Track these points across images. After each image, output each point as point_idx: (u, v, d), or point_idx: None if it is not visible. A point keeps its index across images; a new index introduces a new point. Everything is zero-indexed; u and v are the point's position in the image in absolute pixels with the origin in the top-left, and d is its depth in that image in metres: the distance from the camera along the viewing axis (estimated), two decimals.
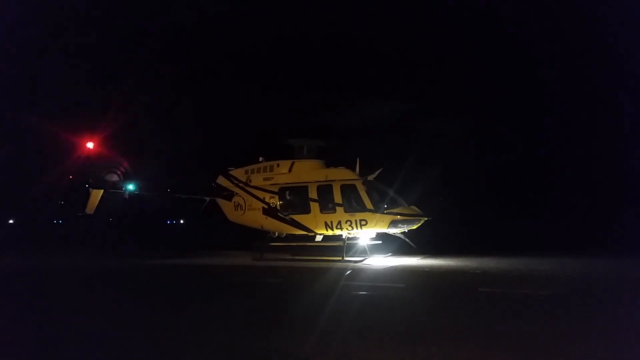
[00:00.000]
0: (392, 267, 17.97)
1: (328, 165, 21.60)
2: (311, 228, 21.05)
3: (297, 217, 21.14)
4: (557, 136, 43.98)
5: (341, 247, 20.52)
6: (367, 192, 20.06)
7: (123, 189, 22.62)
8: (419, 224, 20.08)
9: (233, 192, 22.80)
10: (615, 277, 14.81)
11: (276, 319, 9.72)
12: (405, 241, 20.88)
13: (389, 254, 21.59)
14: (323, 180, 20.84)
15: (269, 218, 21.83)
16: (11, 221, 58.73)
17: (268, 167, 22.26)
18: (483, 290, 12.42)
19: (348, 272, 16.45)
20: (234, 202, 22.75)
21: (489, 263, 18.27)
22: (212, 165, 25.11)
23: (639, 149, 38.27)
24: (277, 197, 21.62)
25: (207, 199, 23.86)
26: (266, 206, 21.81)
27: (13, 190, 44.23)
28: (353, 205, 20.20)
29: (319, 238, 21.65)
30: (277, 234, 22.51)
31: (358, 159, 21.02)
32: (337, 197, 20.33)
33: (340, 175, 20.83)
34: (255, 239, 22.76)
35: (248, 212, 22.36)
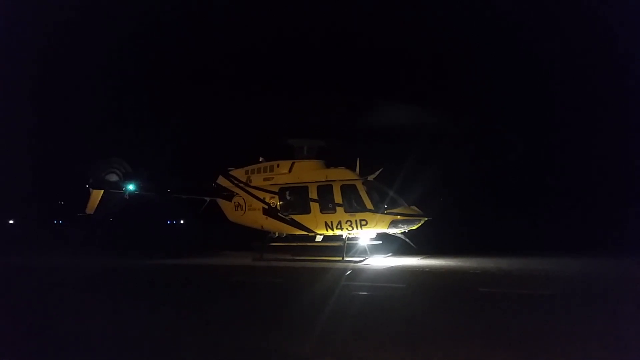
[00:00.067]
0: (392, 267, 17.97)
1: (328, 165, 21.61)
2: (311, 228, 21.06)
3: (297, 217, 21.15)
4: (557, 136, 44.02)
5: (341, 247, 20.52)
6: (367, 192, 20.07)
7: (123, 189, 22.63)
8: (419, 224, 20.08)
9: (233, 192, 22.81)
10: (615, 277, 14.82)
11: (276, 319, 9.73)
12: (406, 241, 20.89)
13: (389, 254, 21.59)
14: (323, 180, 20.85)
15: (269, 218, 21.84)
16: (11, 221, 58.75)
17: (268, 167, 22.27)
18: (483, 290, 12.42)
19: (348, 272, 16.46)
20: (234, 202, 22.75)
21: (489, 263, 18.28)
22: (212, 165, 25.10)
23: (639, 149, 38.28)
24: (277, 197, 21.63)
25: (207, 199, 23.86)
26: (266, 206, 21.82)
27: (13, 190, 44.22)
28: (353, 205, 20.21)
29: (319, 238, 21.66)
30: (277, 234, 22.53)
31: (358, 159, 21.04)
32: (337, 197, 20.33)
33: (341, 175, 20.84)
34: (255, 239, 22.77)
35: (248, 212, 22.37)
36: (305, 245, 21.99)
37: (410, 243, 20.74)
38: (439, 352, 7.35)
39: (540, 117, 43.46)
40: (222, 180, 23.32)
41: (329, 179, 20.81)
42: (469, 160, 41.35)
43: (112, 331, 8.89)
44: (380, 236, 21.15)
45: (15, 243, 33.01)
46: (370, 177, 20.51)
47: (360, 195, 20.07)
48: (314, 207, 20.72)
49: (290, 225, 21.44)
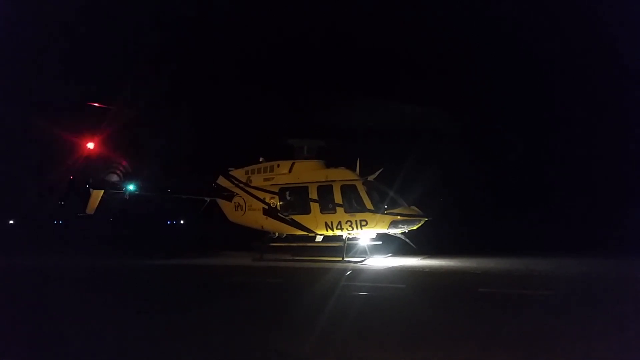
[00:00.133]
0: (392, 267, 17.98)
1: (328, 165, 21.62)
2: (311, 228, 21.06)
3: (298, 218, 21.15)
4: (557, 136, 44.02)
5: (341, 247, 20.53)
6: (368, 193, 20.08)
7: (123, 189, 22.63)
8: (419, 225, 20.09)
9: (233, 192, 22.81)
10: (615, 277, 14.82)
11: (276, 320, 9.72)
12: (406, 241, 20.89)
13: (389, 254, 21.59)
14: (323, 180, 20.86)
15: (269, 218, 21.84)
16: (11, 221, 58.77)
17: (268, 168, 22.28)
18: (483, 290, 12.42)
19: (348, 272, 16.46)
20: (234, 203, 22.76)
21: (489, 263, 18.29)
22: (212, 165, 25.13)
23: (638, 149, 38.29)
24: (277, 197, 21.64)
25: (208, 199, 23.88)
26: (266, 206, 21.82)
27: (13, 190, 44.25)
28: (353, 205, 20.21)
29: (319, 238, 21.67)
30: (277, 235, 22.54)
31: (358, 160, 21.05)
32: (338, 198, 20.34)
33: (341, 175, 20.84)
34: (255, 239, 22.78)
35: (248, 213, 22.37)
36: (305, 245, 22.00)
37: (410, 243, 20.74)
38: (439, 352, 7.35)
39: (540, 117, 43.48)
40: (222, 181, 23.32)
41: (329, 179, 20.81)
42: (469, 161, 41.34)
43: (112, 331, 8.88)
44: (380, 236, 21.16)
45: (15, 243, 33.00)
46: (371, 178, 20.51)
47: (360, 196, 20.08)
48: (314, 207, 20.73)
49: (291, 225, 21.45)
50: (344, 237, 20.74)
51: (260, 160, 22.71)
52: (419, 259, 20.26)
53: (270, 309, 10.75)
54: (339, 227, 20.45)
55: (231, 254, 24.13)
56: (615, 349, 7.48)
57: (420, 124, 33.86)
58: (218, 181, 23.47)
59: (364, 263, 19.35)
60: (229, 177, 23.13)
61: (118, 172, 22.79)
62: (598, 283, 13.62)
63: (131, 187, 22.73)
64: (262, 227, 22.31)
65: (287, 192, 21.58)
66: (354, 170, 20.91)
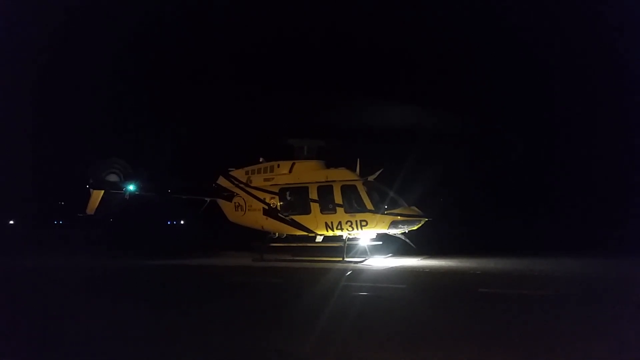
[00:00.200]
0: (392, 267, 17.98)
1: (328, 165, 21.61)
2: (311, 229, 21.05)
3: (298, 218, 21.15)
4: (556, 136, 44.04)
5: (341, 247, 20.51)
6: (368, 193, 20.07)
7: (123, 189, 22.62)
8: (420, 225, 20.08)
9: (233, 192, 22.81)
10: (615, 277, 14.82)
11: (276, 320, 9.72)
12: (406, 242, 20.89)
13: (390, 254, 21.59)
14: (323, 180, 20.85)
15: (269, 219, 21.83)
16: (11, 221, 58.80)
17: (268, 168, 22.27)
18: (483, 290, 12.42)
19: (348, 272, 16.46)
20: (235, 203, 22.75)
21: (489, 263, 18.29)
22: (212, 165, 25.13)
23: (638, 149, 38.30)
24: (277, 197, 21.63)
25: (208, 199, 23.86)
26: (267, 207, 21.82)
27: (13, 190, 44.25)
28: (353, 205, 20.20)
29: (319, 239, 21.66)
30: (277, 235, 22.52)
31: (358, 160, 21.04)
32: (338, 198, 20.33)
33: (341, 175, 20.84)
34: (255, 239, 22.77)
35: (248, 213, 22.37)
36: (305, 245, 21.98)
37: (411, 244, 20.73)
38: (439, 352, 7.35)
39: (540, 117, 43.51)
40: (222, 181, 23.32)
41: (329, 179, 20.81)
42: (469, 161, 41.39)
43: (112, 331, 8.89)
44: (381, 237, 21.15)
45: (15, 243, 33.01)
46: (371, 178, 20.50)
47: (360, 196, 20.07)
48: (314, 207, 20.72)
49: (291, 225, 21.44)
50: (344, 238, 20.73)
51: (260, 160, 22.70)
52: (419, 259, 20.26)
53: (270, 309, 10.75)
54: (339, 227, 20.44)
55: (231, 254, 24.13)
56: (615, 349, 7.48)
57: (420, 124, 33.85)
58: (218, 181, 23.46)
59: (364, 263, 19.35)
60: (229, 178, 23.12)
61: (118, 172, 22.77)
62: (598, 283, 13.62)
63: (131, 187, 22.70)
64: (262, 227, 22.30)
65: (287, 193, 21.57)
66: (354, 170, 20.90)
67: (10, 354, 7.79)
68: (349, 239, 20.79)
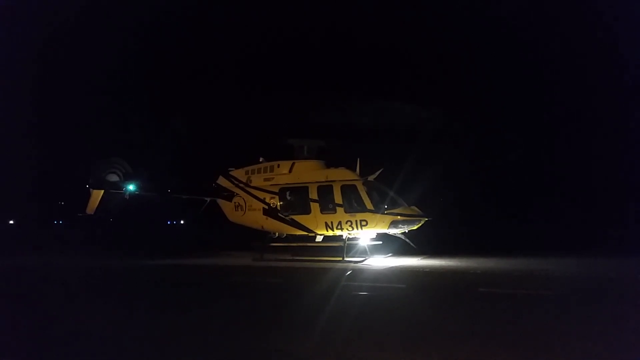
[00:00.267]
0: (392, 267, 17.97)
1: (328, 165, 21.62)
2: (311, 228, 21.06)
3: (298, 218, 21.16)
4: (556, 136, 44.05)
5: (341, 247, 20.52)
6: (368, 193, 20.07)
7: (123, 189, 22.63)
8: (420, 225, 20.09)
9: (233, 192, 22.82)
10: (615, 277, 14.82)
11: (276, 319, 9.72)
12: (406, 241, 20.89)
13: (390, 254, 21.60)
14: (323, 180, 20.86)
15: (269, 218, 21.85)
16: (11, 221, 58.83)
17: (268, 168, 22.28)
18: (483, 290, 12.42)
19: (348, 272, 16.46)
20: (235, 203, 22.76)
21: (489, 263, 18.29)
22: (212, 165, 25.14)
23: (638, 149, 38.30)
24: (277, 197, 21.64)
25: (208, 199, 23.87)
26: (266, 207, 21.83)
27: (13, 190, 44.27)
28: (353, 205, 20.21)
29: (319, 238, 21.66)
30: (277, 235, 22.54)
31: (358, 160, 21.05)
32: (338, 198, 20.34)
33: (341, 175, 20.84)
34: (255, 239, 22.79)
35: (248, 213, 22.38)
36: (305, 245, 21.99)
37: (411, 243, 20.74)
38: (439, 352, 7.35)
39: (540, 117, 43.51)
40: (222, 181, 23.33)
41: (329, 179, 20.81)
42: (469, 160, 41.38)
43: (112, 331, 8.89)
44: (381, 236, 21.16)
45: (15, 243, 33.01)
46: (371, 178, 20.51)
47: (360, 196, 20.07)
48: (314, 207, 20.73)
49: (291, 225, 21.45)
50: (344, 237, 20.74)
51: (260, 160, 22.71)
52: (419, 259, 20.26)
53: (270, 309, 10.75)
54: (339, 227, 20.45)
55: (231, 254, 24.14)
56: (615, 349, 7.48)
57: (420, 124, 33.85)
58: (218, 181, 23.47)
59: (364, 263, 19.35)
60: (229, 177, 23.14)
61: (118, 172, 22.79)
62: (598, 283, 13.61)
63: (131, 187, 22.72)
64: (262, 227, 22.32)
65: (287, 192, 21.59)
66: (354, 170, 20.91)
67: (10, 354, 7.79)
68: (349, 239, 20.80)
